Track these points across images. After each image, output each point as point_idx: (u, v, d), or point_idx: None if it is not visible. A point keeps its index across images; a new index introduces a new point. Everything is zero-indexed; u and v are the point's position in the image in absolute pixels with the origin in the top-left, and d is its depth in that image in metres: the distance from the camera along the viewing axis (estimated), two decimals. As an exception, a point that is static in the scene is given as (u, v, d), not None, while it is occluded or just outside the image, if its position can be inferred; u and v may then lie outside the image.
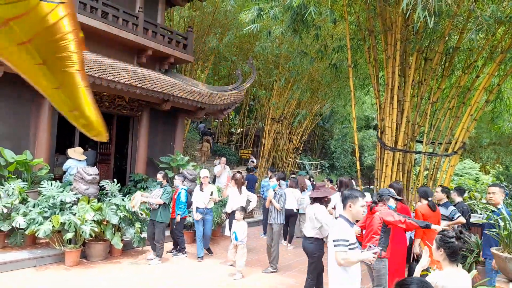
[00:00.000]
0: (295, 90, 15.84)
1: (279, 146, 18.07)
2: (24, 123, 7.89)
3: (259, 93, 16.32)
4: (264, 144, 17.29)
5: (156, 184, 6.85)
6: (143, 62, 10.58)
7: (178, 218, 6.93)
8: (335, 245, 3.15)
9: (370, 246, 3.46)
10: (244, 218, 6.28)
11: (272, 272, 6.52)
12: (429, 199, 5.58)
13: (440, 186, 6.53)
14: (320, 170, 22.28)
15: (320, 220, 4.86)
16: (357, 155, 9.60)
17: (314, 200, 5.14)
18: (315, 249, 4.98)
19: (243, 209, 6.21)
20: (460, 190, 6.44)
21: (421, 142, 9.60)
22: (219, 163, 16.51)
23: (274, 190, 6.88)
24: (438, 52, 8.23)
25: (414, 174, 10.11)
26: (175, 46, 11.19)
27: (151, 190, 7.83)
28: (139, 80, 8.94)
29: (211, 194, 7.18)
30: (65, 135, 10.83)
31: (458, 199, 6.26)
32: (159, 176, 6.92)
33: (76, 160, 8.34)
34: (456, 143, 8.37)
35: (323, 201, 5.11)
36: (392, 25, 8.15)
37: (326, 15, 7.95)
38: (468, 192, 10.57)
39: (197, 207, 7.07)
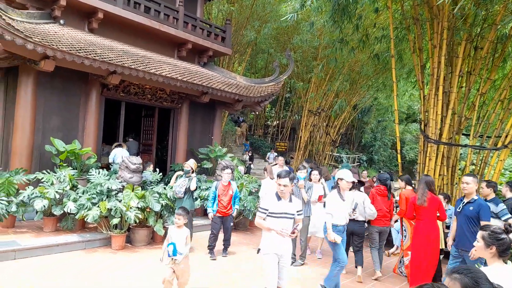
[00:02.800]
0: (333, 81, 15.57)
1: (315, 139, 17.89)
2: (74, 115, 8.34)
3: (297, 85, 16.19)
4: (300, 137, 17.17)
5: (184, 173, 6.90)
6: (183, 56, 10.82)
7: (235, 214, 6.72)
8: (258, 210, 3.87)
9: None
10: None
11: (302, 264, 6.34)
12: (413, 185, 6.34)
13: (485, 181, 6.22)
14: (358, 163, 21.83)
15: (366, 205, 5.80)
16: (398, 148, 9.31)
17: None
18: (363, 230, 5.96)
19: (186, 211, 4.49)
20: None
21: (467, 135, 9.16)
22: (249, 155, 16.72)
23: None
24: (489, 40, 7.77)
25: (459, 169, 9.67)
26: (213, 39, 11.34)
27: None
28: (179, 73, 9.17)
29: (355, 207, 5.41)
30: (110, 126, 11.35)
31: (509, 194, 5.92)
32: (188, 165, 6.83)
33: (121, 150, 8.75)
34: (506, 136, 7.90)
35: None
36: (439, 13, 7.78)
37: (368, 3, 7.73)
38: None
39: (333, 224, 4.90)
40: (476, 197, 4.67)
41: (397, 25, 9.60)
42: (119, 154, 8.82)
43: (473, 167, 8.96)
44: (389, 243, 7.62)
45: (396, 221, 7.66)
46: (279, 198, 3.82)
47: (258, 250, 3.88)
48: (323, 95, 16.40)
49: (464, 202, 4.82)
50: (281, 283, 3.87)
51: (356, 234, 5.81)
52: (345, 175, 5.08)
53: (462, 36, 7.91)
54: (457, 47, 8.14)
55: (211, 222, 6.47)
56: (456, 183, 8.76)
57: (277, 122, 23.48)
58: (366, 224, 6.07)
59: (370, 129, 24.09)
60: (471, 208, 4.65)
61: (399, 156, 9.23)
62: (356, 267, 5.81)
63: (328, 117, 17.66)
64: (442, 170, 8.10)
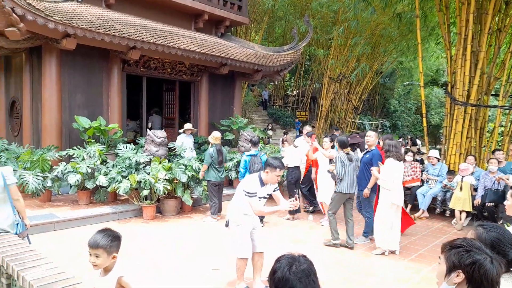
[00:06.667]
0: (354, 46, 15.11)
1: (337, 107, 17.65)
2: (98, 92, 8.50)
3: (317, 52, 15.82)
4: (321, 105, 16.97)
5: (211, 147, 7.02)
6: (200, 27, 10.72)
7: None
8: (249, 196, 3.75)
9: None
10: None
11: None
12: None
13: None
14: (381, 130, 21.48)
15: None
16: (424, 112, 9.09)
17: (352, 145, 6.92)
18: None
19: (108, 238, 2.29)
20: None
21: (497, 96, 8.83)
22: (269, 128, 16.64)
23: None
24: (522, -8, 7.31)
25: (488, 131, 9.41)
26: (230, 8, 11.15)
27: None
28: (197, 45, 9.12)
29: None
30: (133, 102, 11.53)
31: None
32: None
33: (185, 135, 8.69)
34: (539, 95, 7.58)
35: (355, 146, 7.34)
36: (467, -34, 7.34)
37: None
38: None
39: None
40: (373, 148, 5.80)
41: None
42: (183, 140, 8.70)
43: (502, 128, 8.69)
44: (415, 207, 7.62)
45: (422, 185, 7.62)
46: (262, 184, 3.83)
47: (227, 223, 3.93)
48: (344, 61, 15.99)
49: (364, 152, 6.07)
50: (257, 245, 3.97)
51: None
52: None
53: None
54: (487, 3, 7.70)
55: None
56: (484, 146, 8.55)
57: (297, 91, 23.20)
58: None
59: (394, 94, 23.49)
60: (367, 156, 5.82)
61: (424, 120, 9.04)
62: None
63: (349, 84, 17.28)
64: (470, 133, 7.91)
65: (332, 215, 5.57)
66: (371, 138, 5.87)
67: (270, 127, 17.41)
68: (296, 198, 3.73)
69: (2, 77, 9.23)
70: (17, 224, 3.37)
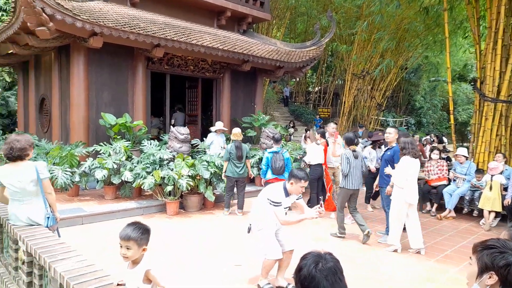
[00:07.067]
0: (378, 41, 14.80)
1: (360, 103, 17.38)
2: (123, 89, 8.68)
3: (339, 48, 15.59)
4: (344, 102, 16.75)
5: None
6: (222, 24, 10.76)
7: None
8: (274, 205, 3.74)
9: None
10: None
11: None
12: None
13: None
14: (406, 127, 21.01)
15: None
16: (451, 108, 8.82)
17: (372, 142, 7.72)
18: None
19: (139, 230, 2.36)
20: None
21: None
22: (291, 125, 16.42)
23: None
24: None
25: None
26: (252, 5, 11.14)
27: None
28: (220, 42, 9.17)
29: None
30: (157, 99, 11.73)
31: None
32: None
33: (215, 134, 8.54)
34: None
35: (377, 143, 7.60)
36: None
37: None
38: None
39: None
40: (394, 145, 5.70)
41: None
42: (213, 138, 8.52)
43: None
44: (441, 207, 7.42)
45: (448, 183, 7.42)
46: (287, 194, 3.83)
47: (249, 229, 3.93)
48: (367, 57, 15.70)
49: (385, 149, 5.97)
50: (284, 244, 3.92)
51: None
52: None
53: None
54: (520, -6, 7.39)
55: None
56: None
57: (319, 87, 22.98)
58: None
59: (419, 90, 22.90)
60: (388, 153, 5.72)
61: (451, 117, 8.77)
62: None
63: (373, 80, 16.97)
64: (500, 130, 7.63)
65: (341, 211, 5.76)
66: (391, 134, 5.82)
67: (292, 125, 17.32)
68: (321, 204, 3.69)
69: (32, 75, 9.58)
70: (48, 217, 3.49)
